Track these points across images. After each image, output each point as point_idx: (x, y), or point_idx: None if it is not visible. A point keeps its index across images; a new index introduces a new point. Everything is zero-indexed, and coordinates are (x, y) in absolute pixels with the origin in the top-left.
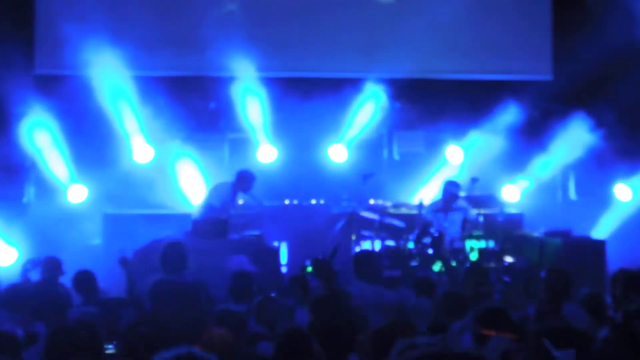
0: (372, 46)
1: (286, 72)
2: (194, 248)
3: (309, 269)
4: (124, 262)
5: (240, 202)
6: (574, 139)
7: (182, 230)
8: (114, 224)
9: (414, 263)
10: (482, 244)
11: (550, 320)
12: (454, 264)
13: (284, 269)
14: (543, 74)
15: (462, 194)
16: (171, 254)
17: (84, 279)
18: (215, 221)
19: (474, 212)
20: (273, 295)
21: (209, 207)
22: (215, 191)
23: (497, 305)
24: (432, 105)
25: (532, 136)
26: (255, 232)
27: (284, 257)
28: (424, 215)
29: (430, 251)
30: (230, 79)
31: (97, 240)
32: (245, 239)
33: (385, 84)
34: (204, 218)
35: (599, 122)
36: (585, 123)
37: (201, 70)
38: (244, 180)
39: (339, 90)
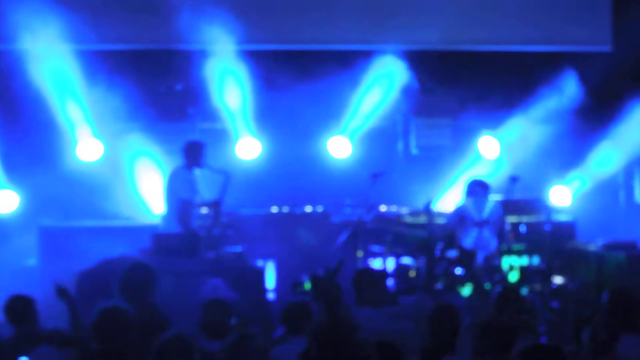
0: (386, 9)
1: (274, 45)
2: (158, 268)
3: (307, 285)
4: (61, 292)
5: (204, 210)
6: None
7: (140, 246)
8: (52, 239)
9: (438, 286)
10: (524, 260)
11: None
12: (488, 286)
13: (270, 295)
14: (601, 44)
15: (498, 197)
16: (135, 279)
17: (18, 307)
18: (183, 235)
19: (513, 220)
20: (252, 331)
21: (177, 202)
22: (176, 179)
23: (542, 341)
24: (461, 85)
25: (587, 124)
26: (235, 249)
27: (270, 280)
28: (450, 223)
29: (458, 270)
30: (202, 54)
31: (31, 260)
32: (222, 258)
33: (402, 58)
34: (169, 231)
35: None
36: None
37: (165, 43)
38: (192, 152)
39: (341, 66)
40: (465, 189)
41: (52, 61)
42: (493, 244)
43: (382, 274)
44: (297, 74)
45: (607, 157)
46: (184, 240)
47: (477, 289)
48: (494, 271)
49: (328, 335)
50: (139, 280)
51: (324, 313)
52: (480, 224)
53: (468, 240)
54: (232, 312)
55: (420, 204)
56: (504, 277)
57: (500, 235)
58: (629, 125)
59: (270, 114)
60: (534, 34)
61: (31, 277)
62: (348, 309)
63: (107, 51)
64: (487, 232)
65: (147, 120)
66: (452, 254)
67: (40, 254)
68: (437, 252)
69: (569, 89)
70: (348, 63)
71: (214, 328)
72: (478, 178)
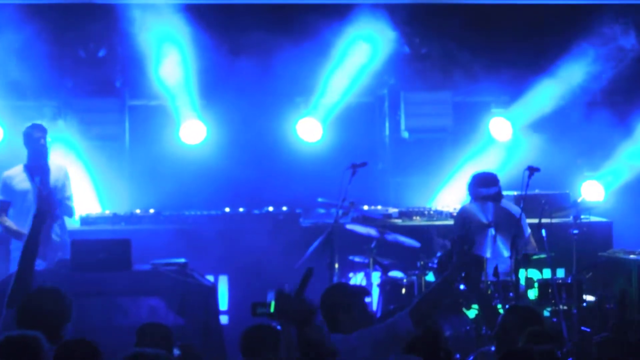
0: None
1: None
2: (73, 286)
3: (272, 306)
4: None
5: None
6: None
7: (55, 256)
8: None
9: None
10: (545, 273)
11: None
12: (499, 307)
13: (223, 319)
14: None
15: (512, 193)
16: (40, 306)
17: None
18: (108, 243)
19: (531, 222)
20: None
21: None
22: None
23: None
24: (464, 48)
25: (626, 102)
26: (177, 260)
27: (223, 300)
28: (452, 227)
29: (462, 287)
30: (131, 8)
31: None
32: (160, 271)
33: (388, 13)
34: (87, 239)
35: None
36: None
37: None
38: (24, 136)
39: (310, 26)
40: (468, 186)
41: None
42: (506, 252)
43: (359, 291)
44: (254, 37)
45: None
46: (110, 248)
47: (485, 310)
48: (508, 287)
49: None
50: (46, 309)
51: (292, 338)
52: (489, 228)
53: (474, 248)
54: (174, 340)
55: (413, 202)
56: (520, 295)
57: (515, 241)
58: None
59: (220, 88)
60: None
61: None
62: (322, 332)
63: (4, 5)
64: (498, 238)
65: (61, 95)
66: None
67: None
68: (434, 263)
69: (594, 58)
70: (319, 21)
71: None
72: (483, 171)
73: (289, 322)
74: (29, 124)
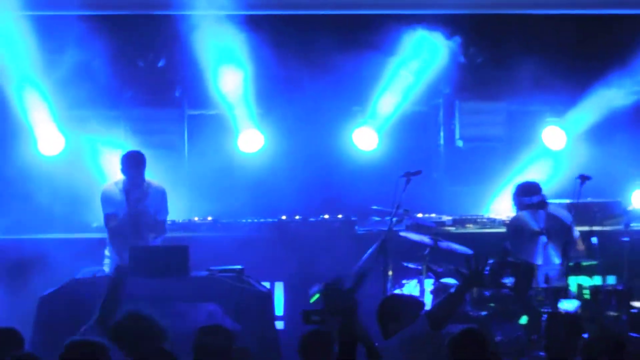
0: None
1: (281, 10)
2: (133, 292)
3: (314, 297)
4: None
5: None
6: None
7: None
8: (4, 256)
9: (484, 313)
10: (596, 280)
11: None
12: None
13: (279, 325)
14: None
15: (564, 201)
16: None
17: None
18: (167, 249)
19: (583, 229)
20: None
21: (106, 219)
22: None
23: None
24: (519, 59)
25: None
26: (234, 267)
27: (279, 306)
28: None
29: (513, 294)
30: (190, 20)
31: None
32: (217, 278)
33: (444, 26)
34: (147, 245)
35: None
36: None
37: (144, 7)
38: (121, 163)
39: (367, 37)
40: (512, 196)
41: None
42: (557, 260)
43: (414, 303)
44: (311, 48)
45: None
46: (169, 255)
47: (532, 317)
48: (558, 294)
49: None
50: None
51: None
52: (541, 235)
53: (525, 255)
54: (232, 345)
55: (466, 210)
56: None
57: (566, 248)
58: None
59: (277, 97)
60: None
61: None
62: (363, 327)
63: (71, 17)
64: (549, 246)
65: (122, 104)
66: (504, 273)
67: None
68: (487, 270)
69: None
70: (375, 32)
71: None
72: (526, 181)
73: (334, 313)
74: (127, 151)
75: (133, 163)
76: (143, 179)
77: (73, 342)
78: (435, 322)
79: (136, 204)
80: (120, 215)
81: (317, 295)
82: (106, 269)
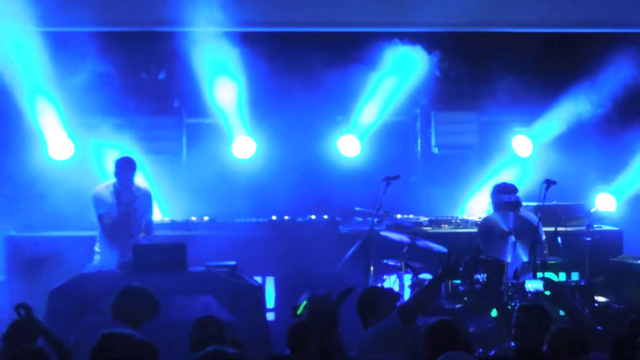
0: None
1: (272, 27)
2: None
3: (301, 307)
4: (25, 312)
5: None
6: None
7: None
8: (21, 252)
9: (458, 306)
10: (561, 276)
11: None
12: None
13: (270, 316)
14: None
15: (531, 203)
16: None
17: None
18: (166, 247)
19: (548, 230)
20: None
21: (99, 219)
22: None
23: None
24: (490, 72)
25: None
26: (228, 263)
27: (270, 299)
28: (476, 234)
29: (485, 288)
30: (188, 36)
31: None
32: (213, 273)
33: (421, 41)
34: (148, 243)
35: None
36: None
37: (145, 24)
38: (115, 166)
39: (351, 52)
40: (491, 195)
41: (16, 44)
42: (525, 257)
43: (390, 294)
44: (299, 62)
45: None
46: (168, 252)
47: (501, 312)
48: (524, 290)
49: None
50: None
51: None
52: (510, 235)
53: (496, 253)
54: (226, 334)
55: (442, 211)
56: (536, 295)
57: (533, 247)
58: None
59: (269, 108)
60: (581, 13)
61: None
62: (339, 343)
63: (79, 33)
64: (518, 245)
65: (125, 114)
66: (477, 269)
67: (7, 269)
68: (461, 267)
69: (611, 83)
70: (358, 48)
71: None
72: (504, 182)
73: (316, 325)
74: (121, 156)
75: (125, 167)
76: (133, 182)
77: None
78: (407, 315)
79: (126, 206)
80: (112, 215)
81: (304, 304)
82: (95, 263)
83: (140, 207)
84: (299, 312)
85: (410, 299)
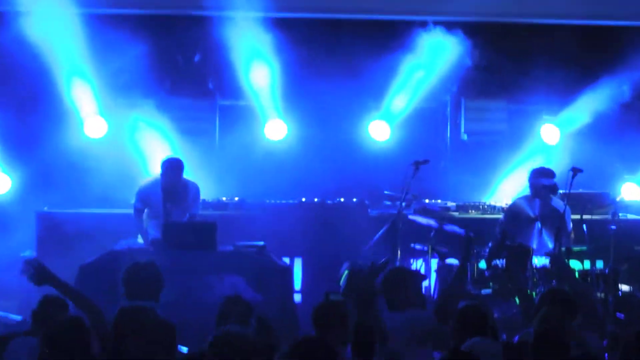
0: None
1: (307, 13)
2: (165, 263)
3: (342, 277)
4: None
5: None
6: None
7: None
8: (52, 228)
9: (485, 291)
10: (585, 264)
11: None
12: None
13: (297, 297)
14: None
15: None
16: (139, 279)
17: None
18: (197, 225)
19: (574, 218)
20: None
21: (135, 211)
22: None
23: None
24: (520, 62)
25: None
26: (257, 243)
27: (297, 280)
28: (502, 220)
29: (510, 274)
30: (223, 20)
31: (28, 252)
32: (242, 252)
33: (451, 30)
34: (179, 220)
35: None
36: None
37: (181, 7)
38: (162, 167)
39: (383, 39)
40: (530, 177)
41: (56, 26)
42: (550, 244)
43: (416, 275)
44: (332, 47)
45: None
46: (198, 230)
47: (523, 298)
48: (549, 276)
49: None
50: (142, 280)
51: (354, 314)
52: (536, 222)
53: (521, 239)
54: (253, 313)
55: (470, 197)
56: (542, 270)
57: (559, 234)
58: None
59: (301, 92)
60: (606, 7)
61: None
62: (379, 319)
63: (116, 15)
64: (543, 231)
65: (160, 95)
66: (499, 255)
67: (38, 245)
68: (487, 253)
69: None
70: (391, 35)
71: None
72: (542, 166)
73: (353, 298)
74: (167, 157)
75: (172, 167)
76: (180, 181)
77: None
78: (443, 314)
79: (172, 203)
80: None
81: (345, 274)
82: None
83: (192, 203)
84: (340, 282)
85: (445, 296)
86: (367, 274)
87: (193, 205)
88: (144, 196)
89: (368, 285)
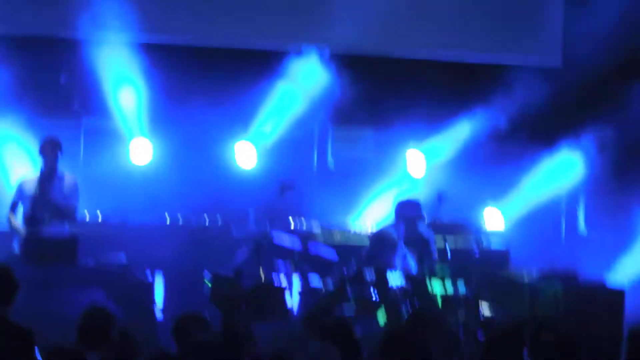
0: (310, 6)
1: (177, 38)
2: (24, 278)
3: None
4: None
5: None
6: (587, 149)
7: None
8: None
9: (348, 312)
10: (448, 287)
11: None
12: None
13: (158, 314)
14: (550, 60)
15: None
16: None
17: None
18: (56, 240)
19: (438, 244)
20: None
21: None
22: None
23: None
24: (387, 93)
25: (527, 142)
26: (119, 258)
27: (159, 296)
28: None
29: (374, 295)
30: (91, 43)
31: None
32: (104, 267)
33: (324, 59)
34: (38, 235)
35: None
36: (600, 129)
37: (49, 28)
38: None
39: (254, 66)
40: (395, 209)
41: None
42: (414, 268)
43: (279, 289)
44: (198, 71)
45: (546, 180)
46: (59, 245)
47: (390, 316)
48: (412, 296)
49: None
50: None
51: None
52: (400, 247)
53: (387, 262)
54: (114, 326)
55: (334, 221)
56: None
57: (422, 258)
58: (571, 149)
59: (168, 114)
60: (471, 45)
61: None
62: (247, 322)
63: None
64: (408, 255)
65: (24, 114)
66: (368, 276)
67: None
68: (351, 274)
69: (500, 106)
70: (262, 63)
71: (92, 339)
72: (409, 198)
73: (218, 305)
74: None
75: (53, 145)
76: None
77: None
78: (311, 324)
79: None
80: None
81: (209, 281)
82: None
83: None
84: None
85: (314, 310)
86: (232, 279)
87: (74, 196)
88: (21, 187)
89: (233, 290)
